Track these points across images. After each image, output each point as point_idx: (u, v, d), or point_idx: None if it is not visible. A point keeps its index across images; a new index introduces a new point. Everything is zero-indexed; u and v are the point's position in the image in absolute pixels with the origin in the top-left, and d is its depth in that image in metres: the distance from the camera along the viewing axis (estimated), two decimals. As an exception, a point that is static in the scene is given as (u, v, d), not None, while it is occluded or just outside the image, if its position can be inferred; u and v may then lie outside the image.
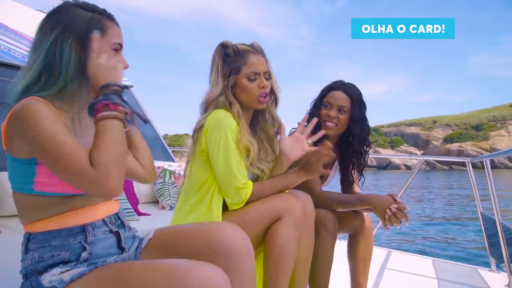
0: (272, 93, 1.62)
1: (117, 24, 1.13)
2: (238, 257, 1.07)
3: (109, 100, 0.98)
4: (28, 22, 3.62)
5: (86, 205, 1.06)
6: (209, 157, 1.47)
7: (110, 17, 1.12)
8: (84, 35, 1.04)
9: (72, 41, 1.02)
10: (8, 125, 0.97)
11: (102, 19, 1.09)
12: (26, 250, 1.03)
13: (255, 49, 1.56)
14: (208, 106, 1.54)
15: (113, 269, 0.98)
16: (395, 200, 1.74)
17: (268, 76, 1.57)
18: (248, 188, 1.44)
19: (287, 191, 1.58)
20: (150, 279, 0.90)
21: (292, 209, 1.40)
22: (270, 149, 1.64)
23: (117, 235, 1.12)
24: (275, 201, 1.43)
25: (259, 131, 1.65)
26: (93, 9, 1.09)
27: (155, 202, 3.07)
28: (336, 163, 2.10)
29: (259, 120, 1.65)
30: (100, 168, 0.91)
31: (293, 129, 1.70)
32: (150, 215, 2.63)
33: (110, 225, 1.10)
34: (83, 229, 1.04)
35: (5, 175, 2.08)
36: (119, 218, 1.16)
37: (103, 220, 1.09)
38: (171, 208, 2.89)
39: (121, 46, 1.12)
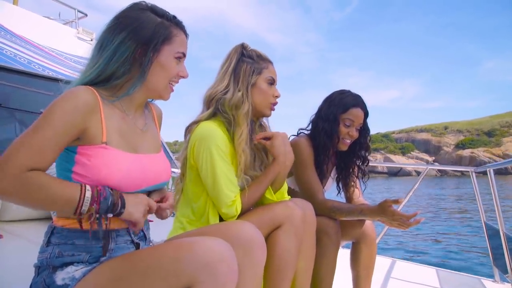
0: None
1: (184, 32, 1.12)
2: (253, 250, 1.08)
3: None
4: (35, 29, 3.67)
5: None
6: (199, 173, 1.43)
7: (179, 25, 1.10)
8: (149, 40, 1.03)
9: (136, 45, 1.02)
10: None
11: (170, 26, 1.07)
12: (47, 242, 1.02)
13: (272, 62, 1.58)
14: (211, 102, 1.48)
15: (122, 257, 0.98)
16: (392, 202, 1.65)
17: None
18: (236, 204, 1.38)
19: (288, 198, 1.55)
20: (156, 256, 0.90)
21: (292, 216, 1.37)
22: (265, 158, 1.61)
23: (137, 246, 1.11)
24: (275, 208, 1.41)
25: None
26: (163, 14, 1.08)
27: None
28: (334, 170, 2.07)
29: (255, 130, 1.62)
30: (12, 164, 0.85)
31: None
32: (152, 221, 2.62)
33: (133, 236, 1.10)
34: (107, 235, 1.03)
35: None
36: (142, 230, 1.16)
37: (127, 230, 1.08)
38: (174, 215, 2.88)
39: (184, 55, 1.11)
